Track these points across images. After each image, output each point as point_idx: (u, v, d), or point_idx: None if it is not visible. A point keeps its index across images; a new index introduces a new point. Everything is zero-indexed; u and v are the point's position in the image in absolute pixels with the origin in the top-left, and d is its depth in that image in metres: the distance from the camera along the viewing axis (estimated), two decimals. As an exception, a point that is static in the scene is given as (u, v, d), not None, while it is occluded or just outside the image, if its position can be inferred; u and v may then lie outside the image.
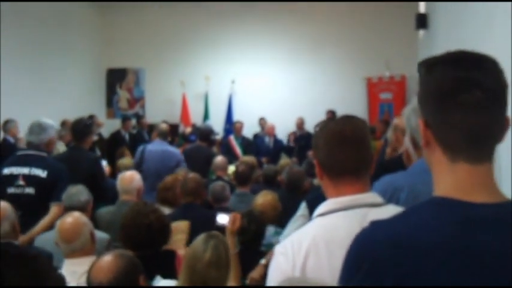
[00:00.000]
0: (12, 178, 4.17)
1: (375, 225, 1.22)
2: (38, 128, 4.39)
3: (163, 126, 6.86)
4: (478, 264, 1.09)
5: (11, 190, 4.14)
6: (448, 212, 1.15)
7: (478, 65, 1.18)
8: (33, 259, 1.50)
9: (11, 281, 1.40)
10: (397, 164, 2.66)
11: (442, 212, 1.16)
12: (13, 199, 3.92)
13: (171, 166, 6.07)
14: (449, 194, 1.18)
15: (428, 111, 1.22)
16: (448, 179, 1.20)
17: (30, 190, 4.11)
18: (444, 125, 1.19)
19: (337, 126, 1.67)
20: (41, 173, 4.16)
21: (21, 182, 4.14)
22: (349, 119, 1.71)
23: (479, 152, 1.19)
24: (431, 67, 1.22)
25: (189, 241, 3.50)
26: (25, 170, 4.18)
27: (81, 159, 4.80)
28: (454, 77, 1.16)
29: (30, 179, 4.14)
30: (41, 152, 4.32)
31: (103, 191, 4.62)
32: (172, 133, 11.02)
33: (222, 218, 3.81)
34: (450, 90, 1.16)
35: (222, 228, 3.39)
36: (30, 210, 3.77)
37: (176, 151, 6.57)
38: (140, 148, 6.56)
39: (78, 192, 3.87)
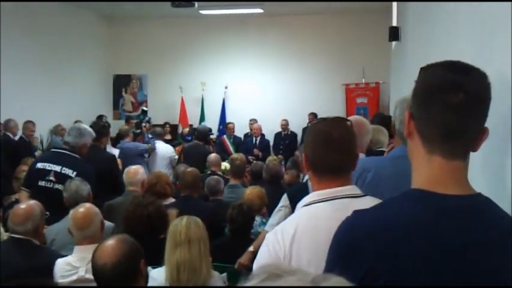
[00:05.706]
0: (45, 172, 4.11)
1: (357, 214, 1.22)
2: (76, 132, 4.34)
3: (124, 128, 8.09)
4: (450, 249, 1.10)
5: (41, 183, 4.09)
6: (424, 202, 1.15)
7: (466, 71, 1.17)
8: None
9: None
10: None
11: (419, 202, 1.16)
12: (43, 191, 4.01)
13: (134, 156, 6.86)
14: (425, 186, 1.17)
15: (415, 105, 1.22)
16: (425, 171, 1.20)
17: (59, 187, 3.99)
18: (426, 119, 1.19)
19: (325, 128, 1.63)
20: (71, 173, 4.08)
21: (52, 178, 4.09)
22: (337, 121, 1.67)
23: (453, 148, 1.18)
24: (427, 68, 1.22)
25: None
26: (57, 168, 4.12)
27: (97, 157, 4.67)
28: (442, 77, 1.16)
29: (60, 177, 4.06)
30: (74, 153, 4.27)
31: (119, 184, 4.55)
32: (171, 133, 11.07)
33: None
34: (436, 88, 1.16)
35: None
36: (57, 203, 3.68)
37: (139, 145, 7.39)
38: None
39: (78, 187, 3.70)
